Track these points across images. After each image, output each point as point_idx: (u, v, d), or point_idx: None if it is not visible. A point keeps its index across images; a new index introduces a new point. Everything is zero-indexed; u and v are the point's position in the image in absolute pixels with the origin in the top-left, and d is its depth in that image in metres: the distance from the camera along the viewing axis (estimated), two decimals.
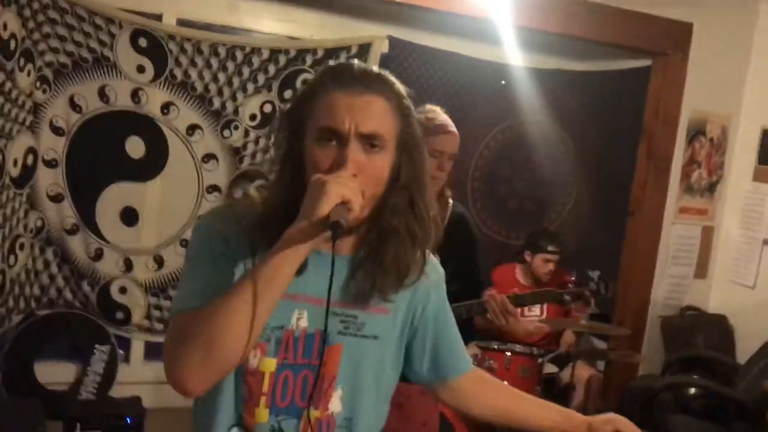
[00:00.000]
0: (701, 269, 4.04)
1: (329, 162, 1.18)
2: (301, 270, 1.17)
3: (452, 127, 2.39)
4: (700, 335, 3.85)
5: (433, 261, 1.41)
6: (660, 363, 3.87)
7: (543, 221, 4.65)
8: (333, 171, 1.16)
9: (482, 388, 1.47)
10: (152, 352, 3.77)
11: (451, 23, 3.75)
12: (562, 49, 4.36)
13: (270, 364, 1.24)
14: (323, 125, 1.19)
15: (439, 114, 2.44)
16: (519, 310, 3.76)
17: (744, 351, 3.74)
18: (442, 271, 1.46)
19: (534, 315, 3.93)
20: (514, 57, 4.21)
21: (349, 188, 1.13)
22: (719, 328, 3.92)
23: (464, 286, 2.49)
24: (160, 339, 3.63)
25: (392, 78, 1.26)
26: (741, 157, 3.96)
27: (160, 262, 3.73)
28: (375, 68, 1.26)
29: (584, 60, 4.58)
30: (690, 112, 3.86)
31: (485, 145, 4.55)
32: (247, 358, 1.22)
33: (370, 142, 1.19)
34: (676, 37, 3.73)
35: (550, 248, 3.86)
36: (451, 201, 2.52)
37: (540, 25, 3.54)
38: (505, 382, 3.00)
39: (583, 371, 3.71)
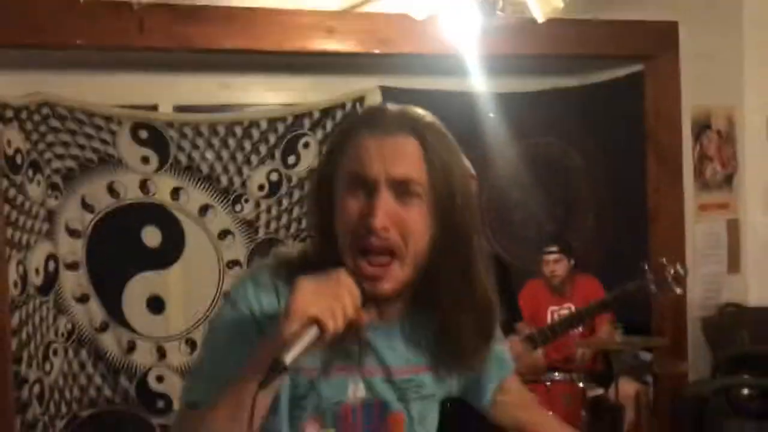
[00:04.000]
0: (734, 264, 3.96)
1: (357, 214, 1.07)
2: (354, 342, 1.10)
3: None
4: (744, 331, 3.74)
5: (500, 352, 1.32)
6: (708, 366, 3.77)
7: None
8: (362, 226, 1.06)
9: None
10: None
11: (438, 64, 3.80)
12: (554, 68, 4.38)
13: None
14: (351, 171, 1.08)
15: None
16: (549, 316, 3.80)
17: None
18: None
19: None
20: (508, 84, 4.23)
21: (324, 304, 0.99)
22: (763, 321, 3.82)
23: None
24: None
25: (429, 116, 1.14)
26: (753, 144, 3.91)
27: (192, 344, 3.76)
28: (410, 107, 1.15)
29: (578, 74, 4.59)
30: (692, 109, 3.83)
31: (494, 175, 4.55)
32: None
33: (404, 188, 1.07)
34: (663, 38, 3.73)
35: (546, 248, 3.86)
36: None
37: (528, 50, 3.57)
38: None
39: (628, 387, 3.61)
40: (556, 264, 3.91)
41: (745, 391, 3.26)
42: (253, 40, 3.09)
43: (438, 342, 1.17)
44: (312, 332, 0.98)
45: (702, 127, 3.85)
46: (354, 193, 1.08)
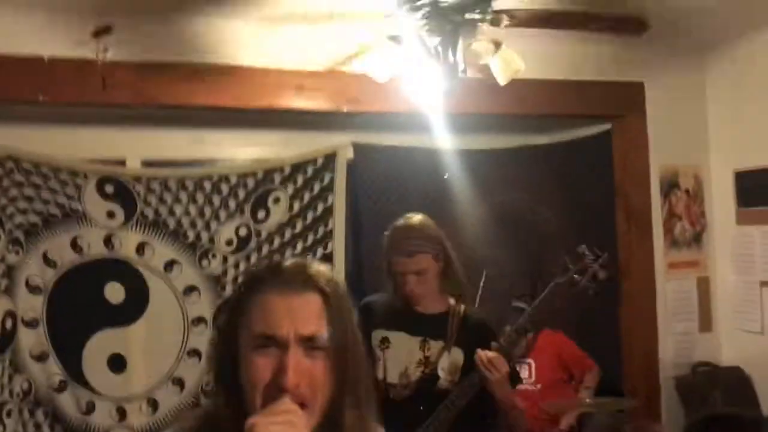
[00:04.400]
0: (705, 322, 3.95)
1: (269, 373, 1.10)
2: None
3: (411, 247, 2.42)
4: (717, 391, 3.71)
5: None
6: (681, 427, 3.71)
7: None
8: (273, 384, 1.09)
9: None
10: None
11: (409, 121, 3.82)
12: (524, 126, 4.43)
13: None
14: (260, 332, 1.12)
15: (403, 230, 2.47)
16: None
17: (767, 400, 3.59)
18: None
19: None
20: (478, 141, 4.26)
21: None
22: (736, 380, 3.79)
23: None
24: None
25: (328, 271, 1.21)
26: (720, 203, 3.94)
27: (154, 405, 3.65)
28: (309, 262, 1.21)
29: (548, 132, 4.63)
30: (659, 168, 3.87)
31: (467, 232, 4.53)
32: None
33: (312, 344, 1.12)
34: (630, 99, 3.79)
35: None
36: (462, 306, 2.52)
37: (494, 109, 3.61)
38: None
39: None
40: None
41: None
42: (220, 97, 3.10)
43: None
44: None
45: (670, 186, 3.88)
46: (263, 352, 1.11)
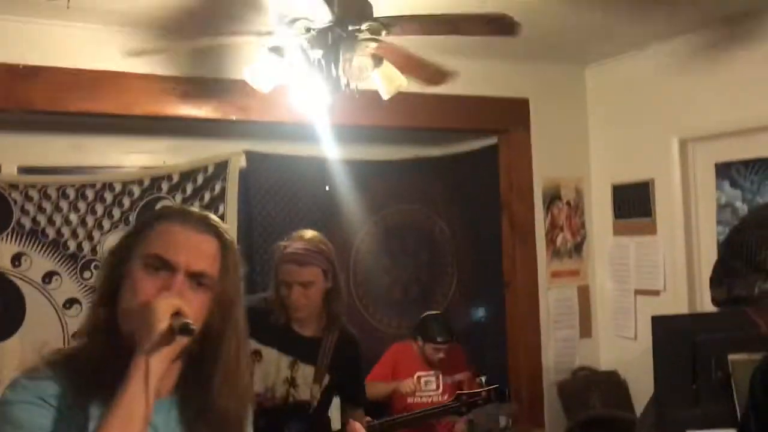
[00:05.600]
0: (585, 328, 4.12)
1: (154, 290, 1.17)
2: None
3: (302, 257, 2.41)
4: (596, 394, 3.88)
5: None
6: (563, 429, 3.86)
7: (430, 306, 4.65)
8: (156, 294, 1.16)
9: None
10: None
11: (302, 131, 3.81)
12: (417, 138, 4.51)
13: None
14: (155, 252, 1.19)
15: (296, 242, 2.46)
16: (417, 381, 3.80)
17: (640, 403, 3.77)
18: None
19: (430, 390, 3.89)
20: (372, 153, 4.31)
21: (177, 300, 1.15)
22: (613, 384, 3.97)
23: (347, 401, 2.58)
24: None
25: (226, 226, 1.31)
26: (598, 215, 4.13)
27: None
28: (211, 215, 1.31)
29: (442, 144, 4.74)
30: (542, 180, 4.02)
31: (360, 240, 4.57)
32: None
33: (198, 280, 1.20)
34: (515, 114, 3.92)
35: (439, 339, 3.86)
36: (337, 333, 2.52)
37: (387, 122, 3.65)
38: None
39: None
40: (440, 352, 3.89)
41: None
42: (100, 102, 3.00)
43: (194, 425, 1.24)
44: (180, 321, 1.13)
45: (552, 198, 4.04)
46: (153, 273, 1.19)
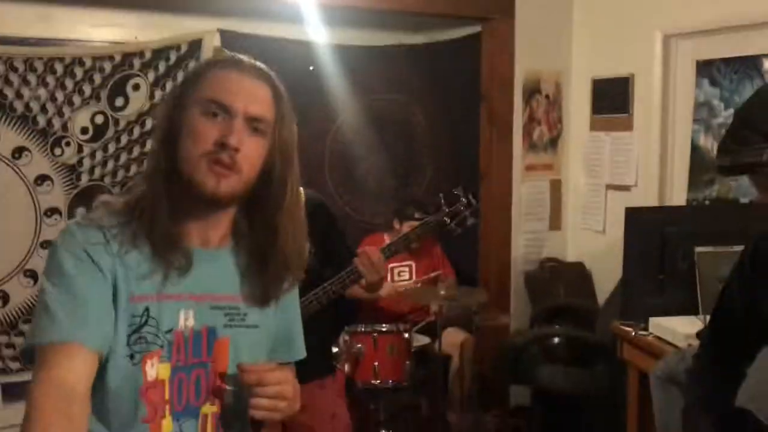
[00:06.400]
0: (555, 221, 4.21)
1: (215, 135, 1.20)
2: (185, 269, 1.22)
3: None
4: (561, 285, 4.02)
5: None
6: (528, 317, 4.01)
7: (405, 195, 4.69)
8: (218, 144, 1.19)
9: None
10: (11, 393, 3.53)
11: (279, 11, 3.68)
12: (400, 24, 4.39)
13: (165, 369, 1.23)
14: (213, 97, 1.21)
15: None
16: (389, 273, 3.86)
17: (603, 294, 3.93)
18: None
19: (403, 280, 3.98)
20: (354, 37, 4.19)
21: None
22: (578, 275, 4.11)
23: (338, 269, 2.46)
24: (17, 378, 3.41)
25: (280, 81, 1.30)
26: (576, 109, 4.13)
27: (4, 297, 3.49)
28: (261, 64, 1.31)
29: (424, 32, 4.63)
30: (524, 73, 3.98)
31: (337, 128, 4.53)
32: (145, 372, 1.20)
33: (255, 125, 1.23)
34: (500, 2, 3.82)
35: (416, 215, 3.88)
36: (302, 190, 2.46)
37: (371, 4, 3.54)
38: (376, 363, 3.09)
39: (455, 337, 3.79)
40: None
41: (555, 340, 3.50)
42: None
43: (252, 270, 1.30)
44: None
45: (532, 91, 4.02)
46: (212, 118, 1.21)
